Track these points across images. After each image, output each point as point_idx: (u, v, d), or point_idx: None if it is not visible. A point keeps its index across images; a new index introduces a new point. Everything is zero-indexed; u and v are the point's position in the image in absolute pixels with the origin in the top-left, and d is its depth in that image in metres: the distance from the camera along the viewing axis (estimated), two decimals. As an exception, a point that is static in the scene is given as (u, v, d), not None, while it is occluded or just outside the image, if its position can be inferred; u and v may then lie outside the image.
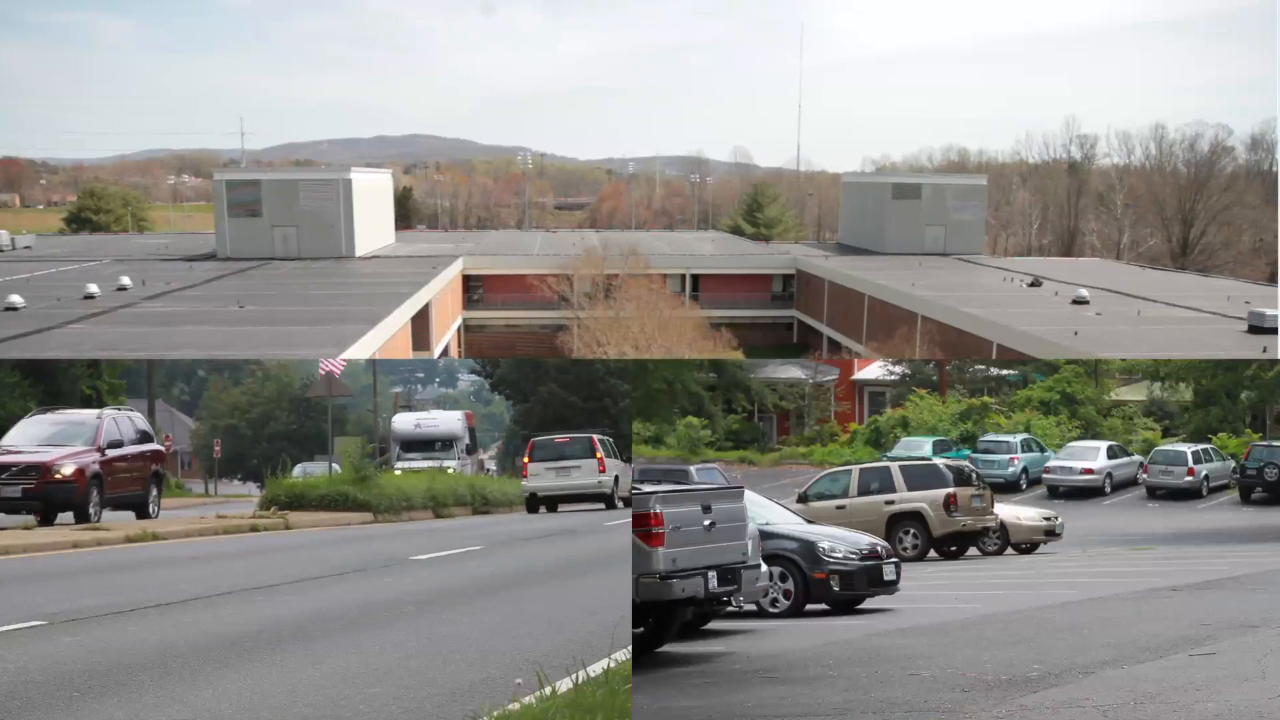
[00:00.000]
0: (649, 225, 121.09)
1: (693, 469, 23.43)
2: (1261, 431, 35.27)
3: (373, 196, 56.99)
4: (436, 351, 47.44)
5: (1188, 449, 32.02)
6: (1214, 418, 35.13)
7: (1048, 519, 22.56)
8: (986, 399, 40.50)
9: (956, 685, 8.11)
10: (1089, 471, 32.12)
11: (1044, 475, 33.11)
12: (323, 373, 29.78)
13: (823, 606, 13.09)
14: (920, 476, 20.92)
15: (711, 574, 9.32)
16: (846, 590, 13.04)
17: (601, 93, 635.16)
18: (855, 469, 21.93)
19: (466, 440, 44.41)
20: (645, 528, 9.06)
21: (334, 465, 29.59)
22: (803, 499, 21.08)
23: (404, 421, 44.72)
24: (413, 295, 38.69)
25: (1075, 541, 23.00)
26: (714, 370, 45.62)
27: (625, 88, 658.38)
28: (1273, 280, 66.66)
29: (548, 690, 6.09)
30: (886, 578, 13.33)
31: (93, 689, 6.51)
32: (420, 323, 42.13)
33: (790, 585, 12.92)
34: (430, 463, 38.52)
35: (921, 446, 34.48)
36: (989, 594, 14.86)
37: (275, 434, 67.34)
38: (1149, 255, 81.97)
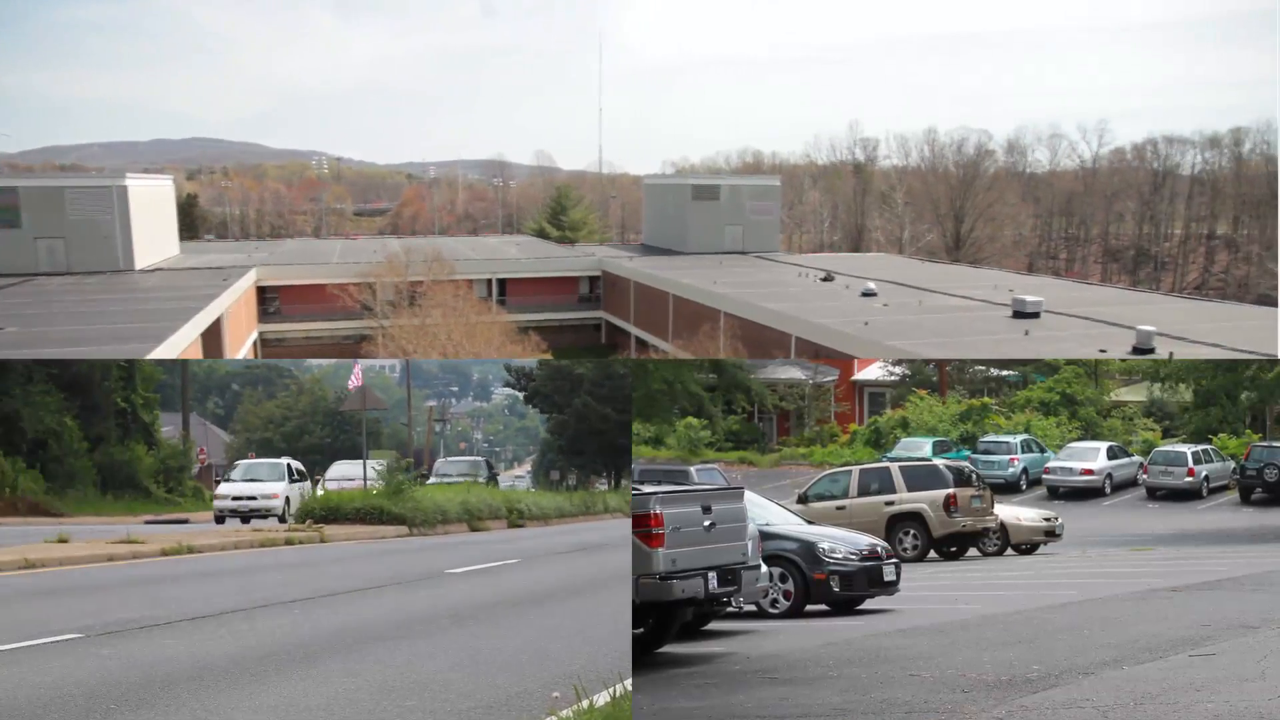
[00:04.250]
0: (453, 230, 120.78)
1: (693, 469, 23.48)
2: (1261, 432, 35.31)
3: (152, 204, 53.50)
4: (232, 368, 45.59)
5: (1188, 449, 32.03)
6: (1214, 418, 35.15)
7: (1048, 520, 22.56)
8: (986, 400, 40.55)
9: (956, 686, 8.11)
10: (1089, 472, 32.13)
11: (1044, 476, 33.10)
12: (355, 386, 29.37)
13: (823, 607, 13.10)
14: (920, 477, 20.94)
15: (711, 575, 9.32)
16: (846, 591, 13.05)
17: (398, 95, 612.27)
18: (855, 470, 21.95)
19: None
20: (645, 528, 9.06)
21: (369, 466, 29.55)
22: (803, 499, 21.11)
23: None
24: (202, 310, 35.94)
25: (1075, 542, 23.00)
26: (714, 371, 45.63)
27: (422, 91, 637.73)
28: (1030, 270, 74.77)
29: (585, 704, 6.08)
30: (886, 578, 13.34)
31: (128, 701, 6.50)
32: (212, 339, 39.08)
33: (790, 586, 12.93)
34: None
35: (921, 447, 34.48)
36: (989, 595, 14.85)
37: (309, 447, 66.50)
38: (927, 249, 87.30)
